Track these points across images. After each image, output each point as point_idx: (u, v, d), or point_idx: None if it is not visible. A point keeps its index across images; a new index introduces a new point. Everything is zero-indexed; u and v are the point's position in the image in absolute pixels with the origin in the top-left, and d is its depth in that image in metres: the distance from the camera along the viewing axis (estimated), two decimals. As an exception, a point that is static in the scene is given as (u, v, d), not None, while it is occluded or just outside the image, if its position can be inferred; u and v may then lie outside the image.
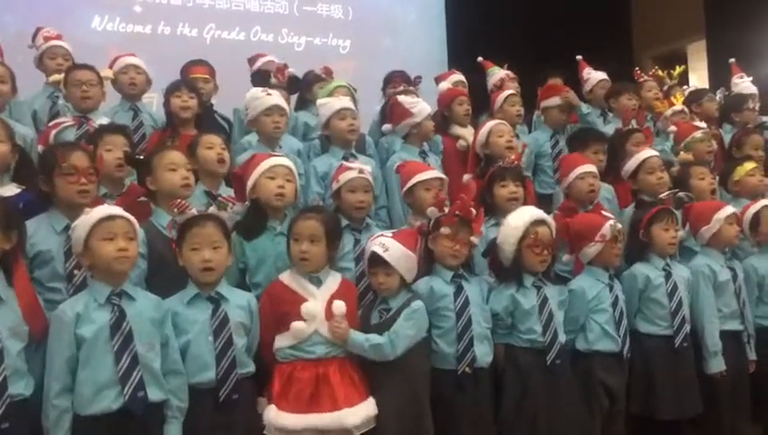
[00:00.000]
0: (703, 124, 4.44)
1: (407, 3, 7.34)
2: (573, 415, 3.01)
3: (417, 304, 2.84)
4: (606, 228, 3.17)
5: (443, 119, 4.38)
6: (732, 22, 7.23)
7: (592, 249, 3.19)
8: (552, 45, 6.72)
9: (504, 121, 3.98)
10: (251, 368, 2.69)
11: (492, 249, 3.13)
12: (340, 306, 2.72)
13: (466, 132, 4.22)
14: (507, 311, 3.03)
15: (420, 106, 4.04)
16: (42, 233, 2.67)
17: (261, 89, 3.79)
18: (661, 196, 3.57)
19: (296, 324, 2.68)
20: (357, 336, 2.74)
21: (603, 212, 3.34)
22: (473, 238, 3.00)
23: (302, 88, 4.66)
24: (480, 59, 5.07)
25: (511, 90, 4.53)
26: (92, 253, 2.43)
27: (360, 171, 3.20)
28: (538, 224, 3.05)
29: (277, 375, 2.70)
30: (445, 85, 4.61)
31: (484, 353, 2.94)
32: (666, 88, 5.14)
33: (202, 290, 2.63)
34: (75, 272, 2.64)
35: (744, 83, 5.23)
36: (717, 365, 3.33)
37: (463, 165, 3.96)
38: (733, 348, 3.41)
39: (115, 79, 4.14)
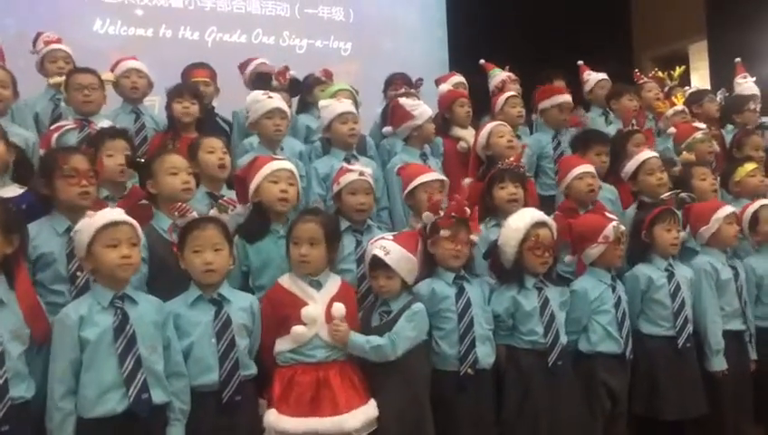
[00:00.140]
0: (702, 125, 4.43)
1: (408, 5, 7.33)
2: (575, 416, 3.00)
3: (418, 306, 2.84)
4: (609, 230, 3.17)
5: (443, 121, 4.38)
6: (733, 22, 7.23)
7: (595, 250, 3.19)
8: (552, 46, 6.74)
9: (503, 122, 3.97)
10: (253, 370, 2.69)
11: (493, 251, 3.13)
12: (339, 308, 2.72)
13: (467, 134, 4.22)
14: (508, 312, 3.03)
15: (421, 109, 4.04)
16: (44, 235, 2.68)
17: (262, 92, 3.80)
18: (663, 196, 3.57)
19: (296, 329, 2.68)
20: (357, 338, 2.73)
21: (606, 213, 3.33)
22: (473, 236, 3.00)
23: (303, 91, 4.66)
24: (482, 61, 5.08)
25: (512, 91, 4.53)
26: (95, 259, 2.43)
27: (361, 174, 3.19)
28: (539, 226, 3.05)
29: (278, 379, 2.70)
30: (445, 87, 4.61)
31: (485, 355, 2.94)
32: (667, 89, 5.14)
33: (204, 292, 2.64)
34: (78, 274, 2.65)
35: (746, 84, 5.24)
36: (719, 364, 3.33)
37: (464, 167, 3.96)
38: (735, 348, 3.41)
39: (116, 82, 4.14)
